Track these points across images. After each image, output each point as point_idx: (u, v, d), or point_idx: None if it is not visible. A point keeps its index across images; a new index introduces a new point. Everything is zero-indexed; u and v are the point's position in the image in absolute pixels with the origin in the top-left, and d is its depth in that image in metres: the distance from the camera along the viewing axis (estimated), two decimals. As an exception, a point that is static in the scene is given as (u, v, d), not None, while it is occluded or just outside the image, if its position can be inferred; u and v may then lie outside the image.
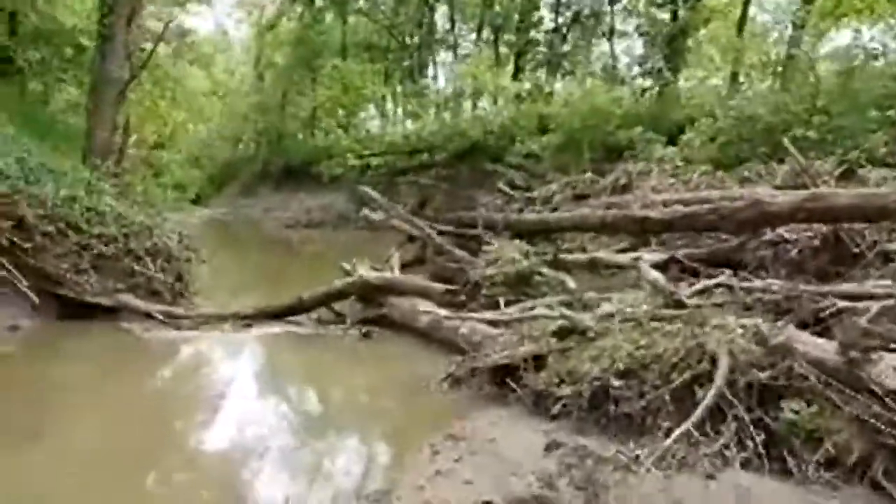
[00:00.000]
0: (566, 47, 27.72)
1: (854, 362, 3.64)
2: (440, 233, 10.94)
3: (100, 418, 4.84)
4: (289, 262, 15.81)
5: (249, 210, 28.10)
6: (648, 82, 21.68)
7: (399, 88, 31.68)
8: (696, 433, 3.62)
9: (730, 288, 5.70)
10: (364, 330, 7.48)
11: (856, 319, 4.08)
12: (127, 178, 10.96)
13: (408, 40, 31.57)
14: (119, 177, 10.54)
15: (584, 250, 9.50)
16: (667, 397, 3.95)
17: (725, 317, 4.59)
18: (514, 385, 5.00)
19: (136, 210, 9.13)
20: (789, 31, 20.06)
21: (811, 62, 14.42)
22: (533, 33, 28.03)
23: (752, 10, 21.60)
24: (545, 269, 7.77)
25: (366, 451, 4.53)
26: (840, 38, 19.09)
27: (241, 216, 27.41)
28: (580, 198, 11.68)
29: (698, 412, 3.68)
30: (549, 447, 3.84)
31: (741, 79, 20.86)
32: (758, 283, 5.72)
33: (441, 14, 31.69)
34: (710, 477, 3.41)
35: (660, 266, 7.11)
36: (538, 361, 5.11)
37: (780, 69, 19.67)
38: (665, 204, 8.89)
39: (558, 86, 25.64)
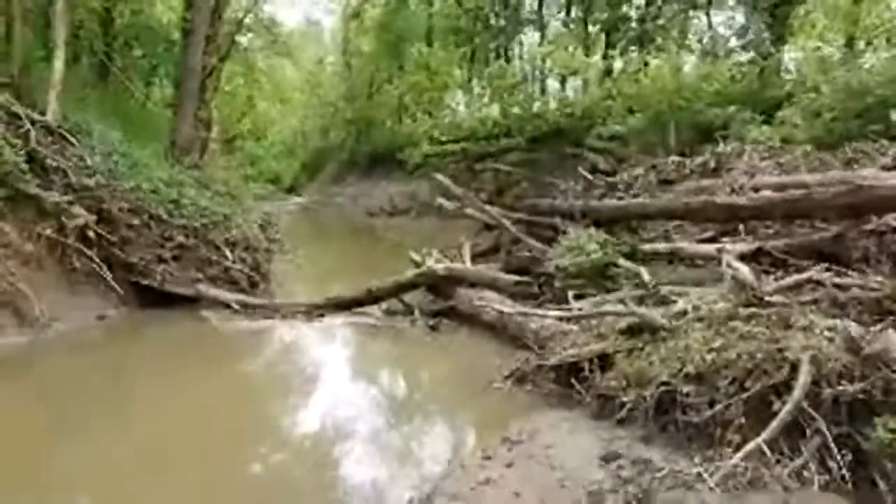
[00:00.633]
0: (661, 21, 26.35)
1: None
2: (517, 221, 10.66)
3: (180, 405, 5.03)
4: (370, 251, 16.02)
5: (337, 198, 28.88)
6: (748, 56, 20.21)
7: (486, 72, 31.31)
8: (768, 450, 3.24)
9: (821, 284, 5.13)
10: (431, 322, 7.41)
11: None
12: (209, 169, 11.29)
13: (493, 22, 31.10)
14: (201, 168, 10.93)
15: (667, 239, 8.96)
16: (740, 407, 3.59)
17: (813, 318, 4.13)
18: (578, 386, 4.77)
19: (217, 201, 9.43)
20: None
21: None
22: (625, 8, 26.84)
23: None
24: (622, 261, 7.39)
25: (414, 453, 4.41)
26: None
27: (330, 204, 28.24)
28: (665, 182, 11.03)
29: (773, 426, 3.30)
30: (607, 458, 3.59)
31: (862, 48, 18.90)
32: (854, 278, 5.12)
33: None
34: (785, 500, 3.06)
35: (746, 258, 6.54)
36: (605, 361, 4.85)
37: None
38: (756, 189, 8.21)
39: (653, 63, 24.58)
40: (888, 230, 6.29)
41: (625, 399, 4.21)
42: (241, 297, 7.96)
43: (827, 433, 3.27)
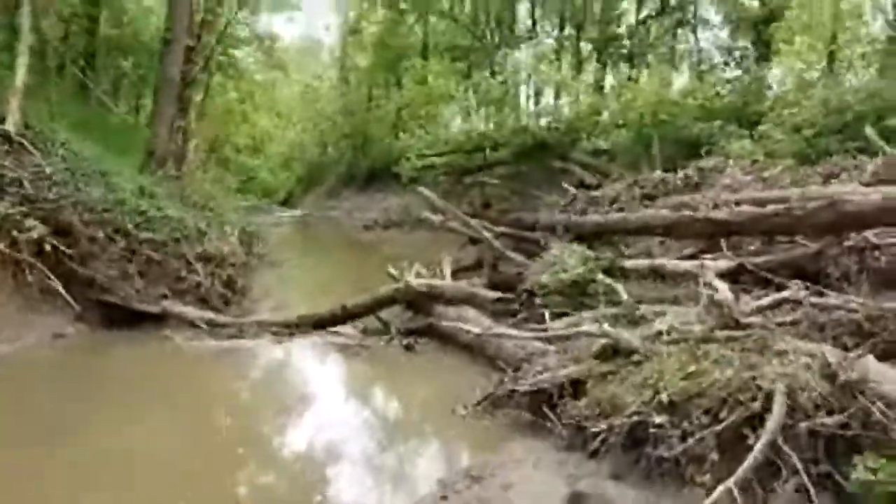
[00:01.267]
0: (650, 39, 26.87)
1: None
2: (500, 235, 10.47)
3: (135, 433, 4.74)
4: (362, 264, 15.76)
5: (333, 211, 28.95)
6: (734, 73, 20.35)
7: (482, 86, 31.54)
8: (740, 494, 3.00)
9: (800, 304, 4.95)
10: (406, 342, 7.15)
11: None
12: (189, 181, 11.01)
13: (487, 39, 31.42)
14: (179, 180, 10.66)
15: (649, 255, 8.79)
16: (713, 441, 3.38)
17: (790, 342, 3.95)
18: (550, 414, 4.55)
19: (192, 214, 9.16)
20: (890, 12, 18.17)
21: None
22: (615, 27, 27.39)
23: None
24: (601, 277, 7.19)
25: (371, 488, 4.13)
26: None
27: (324, 217, 28.24)
28: (648, 198, 10.89)
29: (745, 465, 3.07)
30: (572, 500, 3.36)
31: (842, 65, 19.05)
32: (834, 298, 4.94)
33: (523, 9, 31.54)
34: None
35: (727, 275, 6.38)
36: (578, 387, 4.64)
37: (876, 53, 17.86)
38: (737, 203, 8.08)
39: (641, 79, 24.85)
40: (868, 247, 6.15)
41: (595, 429, 3.99)
42: (210, 314, 7.67)
43: (803, 473, 3.06)
